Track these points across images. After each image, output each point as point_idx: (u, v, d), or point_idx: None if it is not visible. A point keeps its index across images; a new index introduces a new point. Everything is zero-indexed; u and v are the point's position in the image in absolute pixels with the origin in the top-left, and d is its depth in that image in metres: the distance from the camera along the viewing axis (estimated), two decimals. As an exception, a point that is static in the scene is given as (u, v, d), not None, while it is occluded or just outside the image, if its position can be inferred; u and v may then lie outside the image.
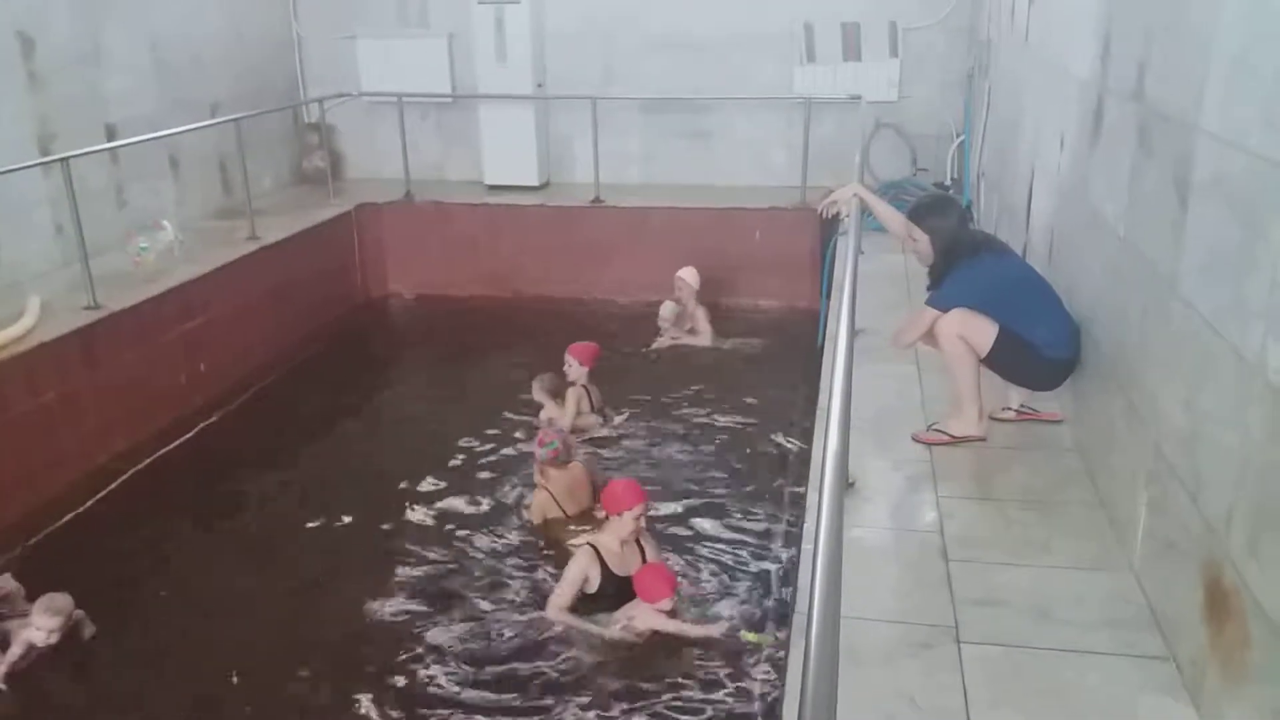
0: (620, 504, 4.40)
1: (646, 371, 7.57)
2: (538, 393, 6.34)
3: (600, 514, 4.88)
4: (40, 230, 6.65)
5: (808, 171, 8.54)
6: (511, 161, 9.38)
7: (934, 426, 4.16)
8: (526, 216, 9.08)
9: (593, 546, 4.43)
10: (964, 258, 4.02)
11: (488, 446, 6.26)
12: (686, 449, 6.14)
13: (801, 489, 5.28)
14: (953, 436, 4.08)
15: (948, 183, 8.70)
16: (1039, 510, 3.58)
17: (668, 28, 9.23)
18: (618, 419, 6.54)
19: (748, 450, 6.11)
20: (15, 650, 4.10)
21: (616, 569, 4.40)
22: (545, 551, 5.05)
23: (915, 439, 4.13)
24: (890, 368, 4.81)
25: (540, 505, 5.22)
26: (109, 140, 7.09)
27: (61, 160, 5.91)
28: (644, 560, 4.48)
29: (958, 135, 8.76)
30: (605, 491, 4.54)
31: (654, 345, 7.91)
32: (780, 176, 9.20)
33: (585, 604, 4.39)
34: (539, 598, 4.58)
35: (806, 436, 5.87)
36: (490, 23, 8.97)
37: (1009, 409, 4.30)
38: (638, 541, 4.53)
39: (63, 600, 4.20)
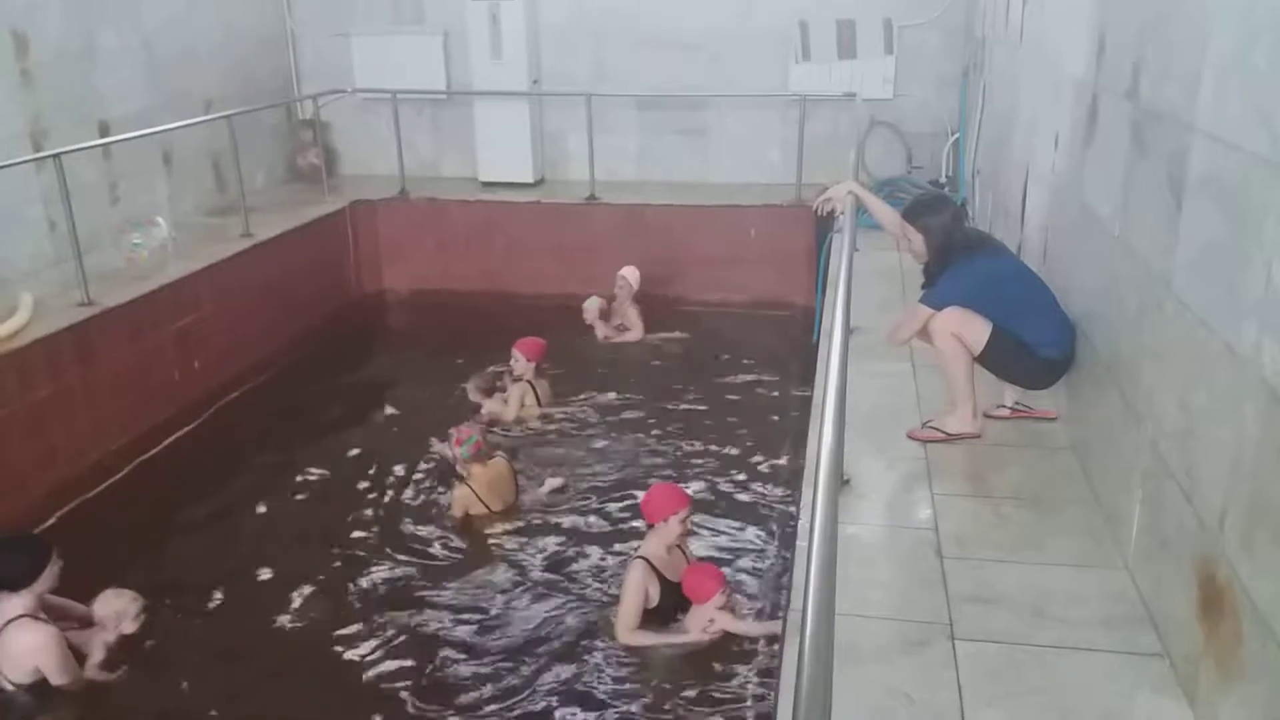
0: (665, 509, 4.22)
1: (628, 366, 7.57)
2: (472, 394, 6.43)
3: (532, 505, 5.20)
4: (33, 227, 6.63)
5: (803, 169, 8.54)
6: (506, 158, 9.37)
7: (929, 424, 4.16)
8: (521, 213, 9.07)
9: (644, 559, 4.23)
10: (958, 256, 4.02)
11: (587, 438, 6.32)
12: (677, 447, 6.13)
13: (793, 487, 5.32)
14: (947, 434, 4.09)
15: (942, 180, 8.70)
16: (1033, 508, 3.58)
17: (663, 24, 9.22)
18: (559, 413, 6.55)
19: (739, 448, 6.11)
20: (97, 654, 4.13)
21: (671, 577, 4.27)
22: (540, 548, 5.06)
23: (910, 436, 4.13)
24: (885, 365, 4.82)
25: (462, 500, 5.24)
26: (102, 137, 7.07)
27: (54, 156, 5.90)
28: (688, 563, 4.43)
29: (952, 133, 8.76)
30: (646, 500, 4.34)
31: (597, 338, 7.97)
32: (775, 174, 9.20)
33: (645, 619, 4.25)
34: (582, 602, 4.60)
35: (800, 434, 5.88)
36: (485, 19, 8.96)
37: (1003, 406, 4.30)
38: (679, 546, 4.42)
39: (121, 594, 4.28)
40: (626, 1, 9.24)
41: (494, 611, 4.59)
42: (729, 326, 8.40)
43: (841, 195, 4.69)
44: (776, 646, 4.08)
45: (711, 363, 7.57)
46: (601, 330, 8.02)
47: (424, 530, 5.29)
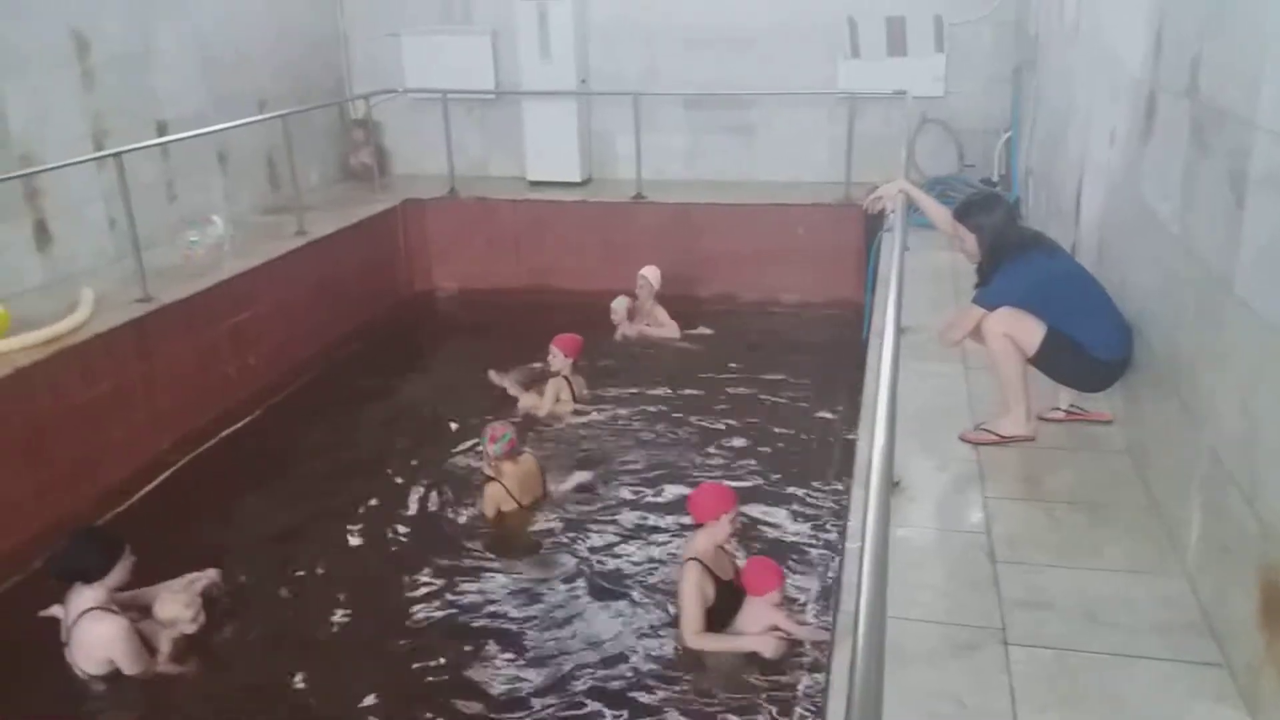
0: (715, 508, 4.20)
1: (667, 364, 7.59)
2: (510, 388, 6.60)
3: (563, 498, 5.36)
4: (94, 225, 6.79)
5: (852, 167, 8.48)
6: (554, 158, 9.42)
7: (981, 426, 4.11)
8: (568, 213, 9.11)
9: (696, 560, 4.20)
10: (1011, 255, 3.97)
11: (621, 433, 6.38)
12: (719, 446, 6.12)
13: (841, 486, 5.28)
14: (1000, 436, 4.04)
15: (995, 179, 8.59)
16: (1088, 512, 3.53)
17: (711, 23, 9.21)
18: (595, 409, 6.62)
19: (786, 447, 6.08)
20: (164, 648, 4.19)
21: (722, 575, 4.27)
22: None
23: (962, 438, 4.09)
24: (936, 366, 4.77)
25: (493, 498, 5.29)
26: (160, 137, 7.22)
27: (115, 155, 6.02)
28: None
29: (1005, 131, 8.64)
30: (695, 499, 4.32)
31: (617, 336, 7.97)
32: (824, 172, 9.14)
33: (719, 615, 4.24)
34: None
35: (848, 434, 5.84)
36: (534, 19, 9.01)
37: (1058, 409, 4.24)
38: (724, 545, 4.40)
39: (175, 597, 4.28)
40: (676, 1, 9.23)
41: (534, 610, 4.62)
42: (776, 326, 8.38)
43: (893, 194, 4.65)
44: (825, 647, 4.06)
45: (754, 361, 7.54)
46: (626, 329, 8.02)
47: (463, 526, 5.35)
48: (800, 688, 3.96)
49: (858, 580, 1.65)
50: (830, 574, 4.67)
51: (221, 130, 7.47)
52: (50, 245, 6.46)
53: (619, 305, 8.01)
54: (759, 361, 7.60)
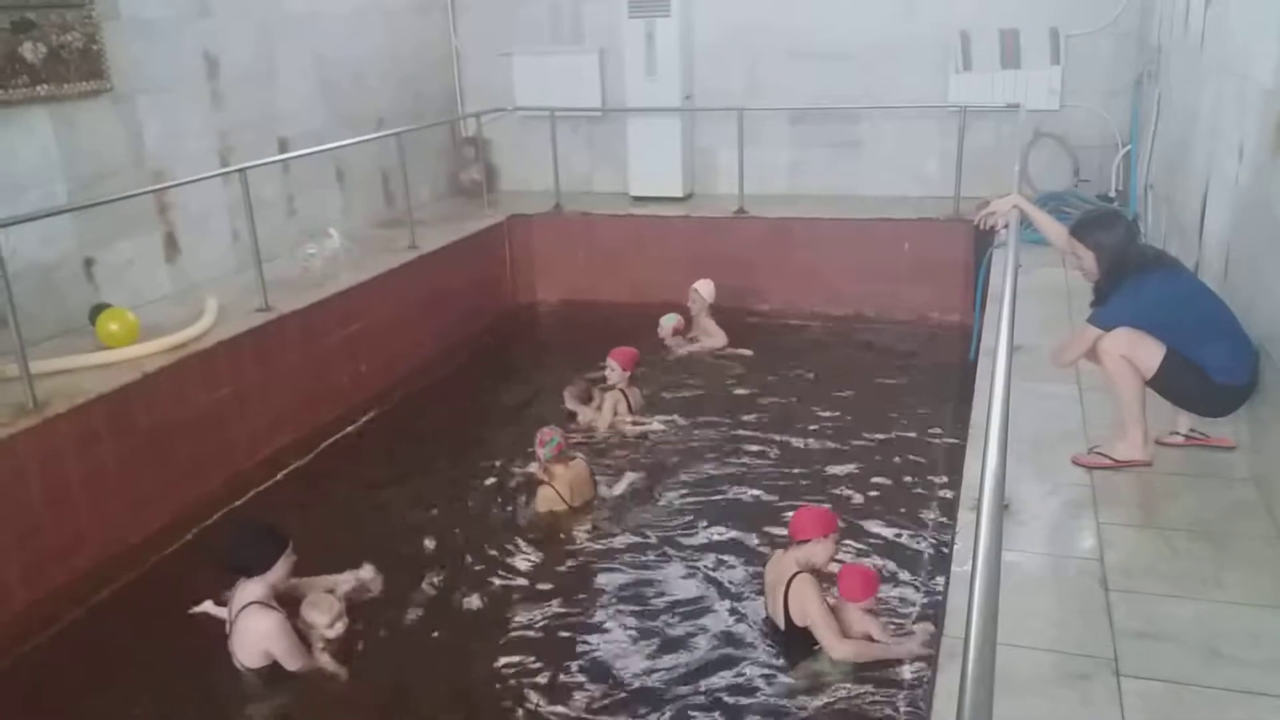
0: (818, 528, 4.19)
1: (737, 380, 7.54)
2: (569, 401, 6.69)
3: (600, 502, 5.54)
4: (219, 237, 7.11)
5: (962, 182, 8.32)
6: (657, 173, 9.49)
7: (1095, 449, 3.98)
8: (669, 227, 9.15)
9: (809, 574, 4.18)
10: (1131, 274, 3.85)
11: (679, 446, 6.41)
12: (832, 461, 6.06)
13: (946, 509, 5.17)
14: (1116, 461, 3.91)
15: (1112, 195, 8.33)
16: (1209, 541, 3.39)
17: (817, 36, 9.15)
18: (653, 420, 6.69)
19: (888, 465, 5.97)
20: (317, 645, 4.23)
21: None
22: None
23: (1075, 462, 3.97)
24: (1049, 387, 4.64)
25: (546, 500, 5.47)
26: (281, 153, 7.52)
27: (240, 171, 6.29)
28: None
29: (1123, 145, 8.37)
30: (799, 519, 4.29)
31: (674, 354, 7.95)
32: (932, 187, 8.99)
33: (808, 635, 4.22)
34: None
35: (953, 454, 5.72)
36: (640, 37, 9.10)
37: (1177, 433, 4.08)
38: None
39: (324, 599, 4.33)
40: (781, 15, 9.21)
41: (601, 616, 4.66)
42: (879, 342, 8.25)
43: (1005, 209, 4.55)
44: (925, 669, 3.99)
45: (852, 378, 7.44)
46: (674, 345, 8.01)
47: (517, 527, 5.47)
48: (901, 714, 3.88)
49: (967, 605, 1.62)
50: (923, 596, 4.57)
51: (340, 147, 7.74)
52: (178, 256, 6.79)
53: (666, 323, 8.03)
54: (859, 378, 7.50)
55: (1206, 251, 4.86)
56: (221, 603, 4.40)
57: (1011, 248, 3.85)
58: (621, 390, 6.72)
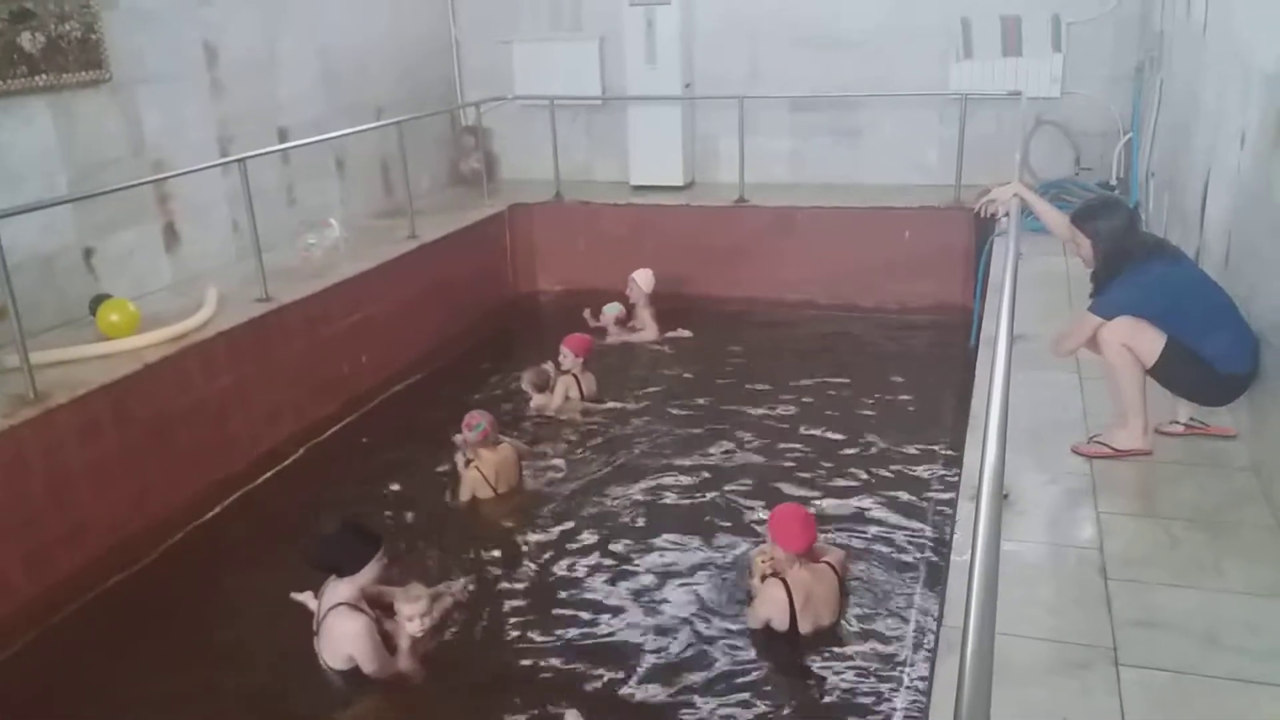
0: (801, 541, 4.18)
1: (788, 364, 7.54)
2: (525, 384, 6.88)
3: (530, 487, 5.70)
4: (219, 227, 7.10)
5: (963, 170, 8.30)
6: (657, 162, 9.47)
7: (1095, 439, 3.98)
8: (670, 216, 9.14)
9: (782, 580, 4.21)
10: (1131, 263, 3.84)
11: (625, 431, 6.46)
12: (829, 449, 6.06)
13: (945, 498, 5.17)
14: (1115, 450, 3.91)
15: (1113, 183, 8.31)
16: (1208, 530, 3.39)
17: (818, 24, 9.13)
18: (605, 407, 6.84)
19: (888, 453, 5.98)
20: (404, 651, 4.13)
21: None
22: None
23: (1075, 451, 3.97)
24: (1049, 375, 4.64)
25: (471, 484, 5.55)
26: (281, 143, 7.50)
27: (239, 161, 6.27)
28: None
29: (1125, 133, 8.35)
30: (782, 522, 4.25)
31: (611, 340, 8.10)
32: (933, 175, 8.98)
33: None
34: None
35: (953, 443, 5.72)
36: (641, 25, 9.07)
37: (1177, 423, 4.08)
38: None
39: (416, 589, 4.24)
40: (781, 2, 9.18)
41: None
42: (879, 330, 8.25)
43: (1006, 197, 4.54)
44: (928, 660, 4.01)
45: (853, 365, 7.47)
46: (614, 333, 8.11)
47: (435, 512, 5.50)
48: (899, 703, 3.89)
49: (966, 594, 1.63)
50: (922, 586, 4.58)
51: (339, 137, 7.72)
52: (178, 246, 6.78)
53: (609, 311, 8.14)
54: (858, 367, 7.51)
55: (1208, 239, 4.85)
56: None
57: (1012, 236, 3.85)
58: (575, 375, 6.85)
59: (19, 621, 4.53)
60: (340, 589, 4.03)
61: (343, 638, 3.99)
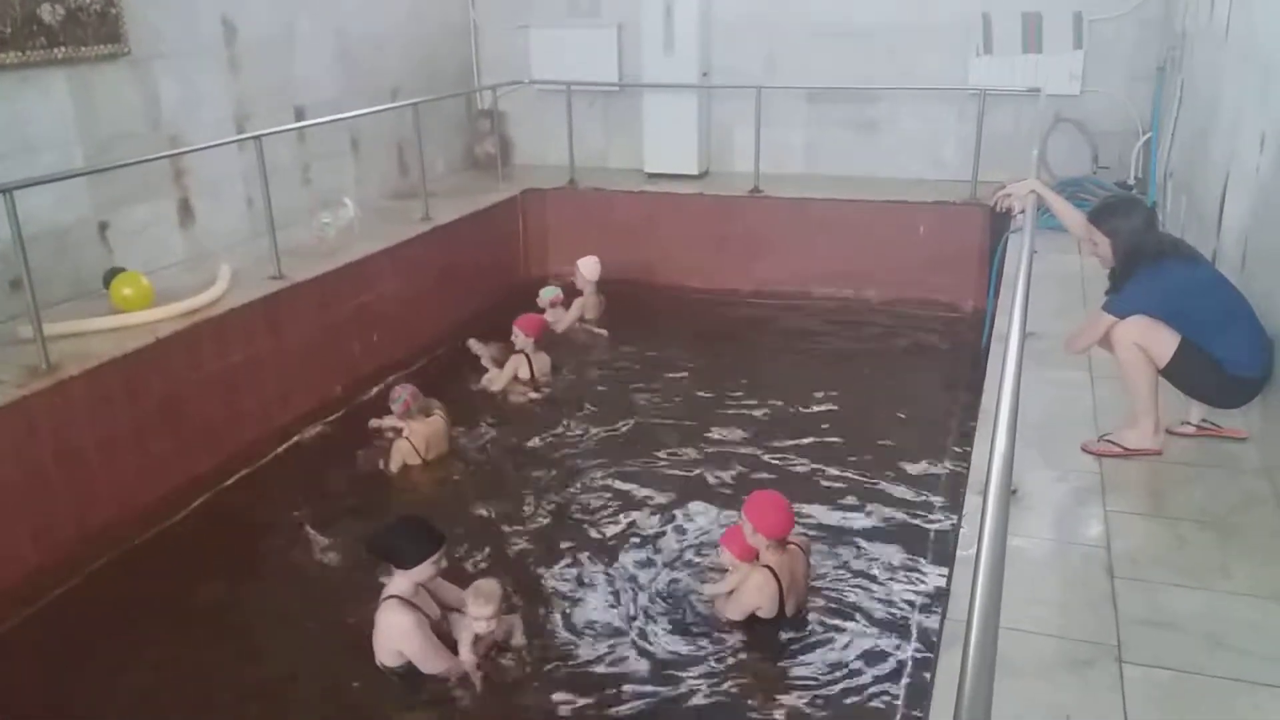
0: (781, 527, 4.20)
1: (795, 364, 7.53)
2: (484, 359, 7.12)
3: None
4: (234, 204, 7.12)
5: (979, 166, 8.27)
6: (672, 150, 9.44)
7: (1105, 437, 3.97)
8: (684, 205, 9.12)
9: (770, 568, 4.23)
10: (1147, 262, 3.81)
11: (626, 422, 6.47)
12: (839, 443, 6.06)
13: (951, 494, 5.17)
14: (1125, 449, 3.89)
15: (1131, 182, 8.26)
16: (1217, 532, 3.38)
17: (837, 16, 9.08)
18: (555, 385, 7.08)
19: (898, 447, 5.96)
20: (465, 648, 4.03)
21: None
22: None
23: (1085, 449, 3.96)
24: (1061, 373, 4.62)
25: (401, 452, 5.81)
26: (297, 121, 7.50)
27: (255, 138, 6.28)
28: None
29: (1144, 132, 8.30)
30: (761, 510, 4.23)
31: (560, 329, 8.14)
32: (949, 170, 8.94)
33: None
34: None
35: (962, 438, 5.72)
36: (659, 12, 9.03)
37: (1188, 424, 4.07)
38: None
39: (490, 585, 4.14)
40: (801, -7, 9.16)
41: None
42: (893, 324, 8.23)
43: (1023, 194, 4.51)
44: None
45: (866, 360, 7.46)
46: (553, 318, 8.09)
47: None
48: (902, 697, 3.90)
49: (971, 589, 1.62)
50: (928, 580, 4.58)
51: (356, 117, 7.72)
52: (192, 223, 6.80)
53: (545, 295, 8.19)
54: (869, 361, 7.51)
55: (1225, 241, 4.82)
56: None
57: (1027, 233, 3.83)
58: (526, 355, 7.02)
59: (28, 589, 4.57)
60: (396, 582, 4.01)
61: (389, 630, 3.96)
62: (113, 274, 5.74)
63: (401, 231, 7.62)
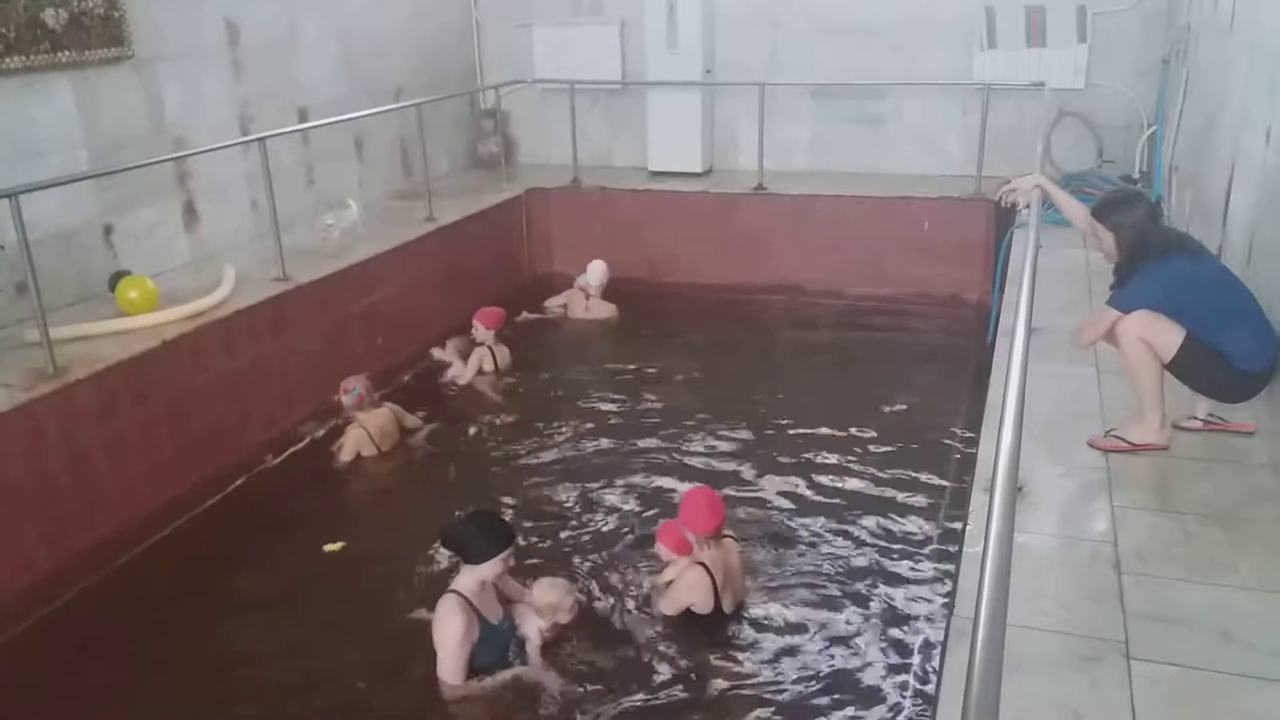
0: (708, 524, 4.21)
1: (799, 361, 7.51)
2: (449, 352, 7.33)
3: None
4: (238, 206, 7.13)
5: (984, 161, 8.25)
6: (676, 148, 9.45)
7: (1112, 433, 3.96)
8: (687, 203, 9.11)
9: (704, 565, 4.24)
10: (1152, 256, 3.81)
11: (628, 419, 6.45)
12: (845, 439, 6.05)
13: (957, 490, 5.16)
14: (1132, 444, 3.88)
15: (1136, 176, 8.24)
16: (1224, 526, 3.37)
17: (838, 11, 9.08)
18: (516, 376, 7.22)
19: (903, 443, 5.96)
20: (533, 648, 4.05)
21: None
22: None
23: (1091, 445, 3.95)
24: (1067, 368, 4.61)
25: (354, 442, 5.94)
26: (301, 123, 7.51)
27: (259, 140, 6.29)
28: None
29: (1149, 126, 8.28)
30: (697, 505, 4.24)
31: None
32: (954, 165, 8.92)
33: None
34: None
35: (968, 434, 5.71)
36: (662, 9, 9.03)
37: (1195, 418, 4.05)
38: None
39: (558, 583, 4.22)
40: (804, -11, 9.15)
41: None
42: (898, 320, 8.21)
43: (1027, 188, 4.50)
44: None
45: (870, 357, 7.44)
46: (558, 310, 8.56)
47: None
48: (908, 694, 3.89)
49: (978, 585, 1.62)
50: (934, 577, 4.57)
51: (359, 118, 7.72)
52: (197, 225, 6.81)
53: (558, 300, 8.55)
54: (874, 357, 7.50)
55: (1230, 235, 4.81)
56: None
57: (1032, 228, 3.83)
58: (489, 348, 7.17)
59: (38, 593, 4.58)
60: (463, 577, 3.98)
61: (437, 619, 3.93)
62: (118, 277, 5.75)
63: (405, 232, 7.63)
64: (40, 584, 4.62)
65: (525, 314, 8.52)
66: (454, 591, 3.95)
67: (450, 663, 3.89)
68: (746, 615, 4.36)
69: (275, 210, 6.27)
